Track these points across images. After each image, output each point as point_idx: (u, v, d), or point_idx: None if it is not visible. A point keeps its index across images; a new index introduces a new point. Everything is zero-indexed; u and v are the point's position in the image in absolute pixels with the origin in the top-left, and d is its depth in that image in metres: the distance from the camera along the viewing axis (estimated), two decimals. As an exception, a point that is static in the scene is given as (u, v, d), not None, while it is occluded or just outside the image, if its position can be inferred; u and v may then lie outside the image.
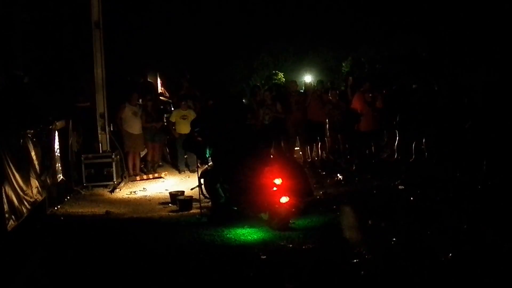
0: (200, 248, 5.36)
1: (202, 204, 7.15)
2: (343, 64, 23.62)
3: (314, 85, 12.69)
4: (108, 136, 10.42)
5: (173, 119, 11.46)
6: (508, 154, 8.10)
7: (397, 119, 10.46)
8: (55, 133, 8.23)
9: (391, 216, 5.95)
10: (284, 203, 5.91)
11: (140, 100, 11.51)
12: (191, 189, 8.62)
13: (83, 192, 9.29)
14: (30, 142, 6.85)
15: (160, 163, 12.02)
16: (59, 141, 8.38)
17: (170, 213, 7.58)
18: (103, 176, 9.75)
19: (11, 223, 5.77)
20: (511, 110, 8.54)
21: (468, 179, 7.70)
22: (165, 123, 11.91)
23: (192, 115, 10.98)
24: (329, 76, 22.48)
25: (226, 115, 6.91)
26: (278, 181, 5.92)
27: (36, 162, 7.00)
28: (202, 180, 7.32)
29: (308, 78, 22.12)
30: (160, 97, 13.43)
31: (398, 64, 16.81)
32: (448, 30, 16.88)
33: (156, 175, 11.10)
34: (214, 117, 7.06)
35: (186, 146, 8.39)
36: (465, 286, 4.02)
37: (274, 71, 24.73)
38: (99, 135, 10.31)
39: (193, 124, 7.30)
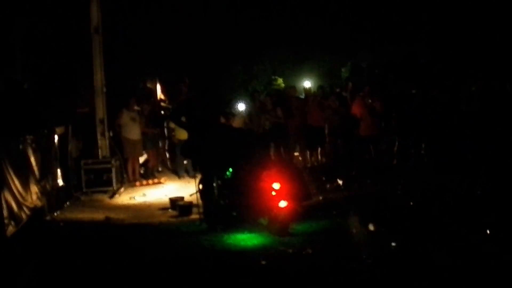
0: (200, 253, 5.35)
1: (201, 210, 7.12)
2: (342, 70, 23.64)
3: (314, 91, 12.70)
4: (107, 141, 10.42)
5: (172, 125, 11.44)
6: (507, 160, 8.11)
7: (397, 124, 10.47)
8: (54, 138, 8.23)
9: (391, 221, 5.94)
10: (283, 207, 5.90)
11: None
12: (190, 195, 8.61)
13: (82, 198, 9.28)
14: (29, 147, 6.85)
15: (160, 169, 12.00)
16: (58, 147, 8.37)
17: (170, 219, 7.57)
18: (103, 181, 9.73)
19: (10, 228, 5.77)
20: (508, 116, 8.57)
21: (468, 184, 7.68)
22: (166, 128, 11.91)
23: None
24: (329, 81, 22.47)
25: (197, 105, 6.72)
26: (276, 185, 5.92)
27: (35, 168, 7.01)
28: (201, 186, 7.30)
29: (307, 83, 22.11)
30: (161, 103, 13.43)
31: (397, 69, 16.84)
32: (449, 37, 16.91)
33: (155, 180, 11.07)
34: (188, 111, 6.86)
35: (183, 152, 8.36)
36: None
37: (273, 77, 24.73)
38: (99, 141, 10.30)
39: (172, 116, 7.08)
